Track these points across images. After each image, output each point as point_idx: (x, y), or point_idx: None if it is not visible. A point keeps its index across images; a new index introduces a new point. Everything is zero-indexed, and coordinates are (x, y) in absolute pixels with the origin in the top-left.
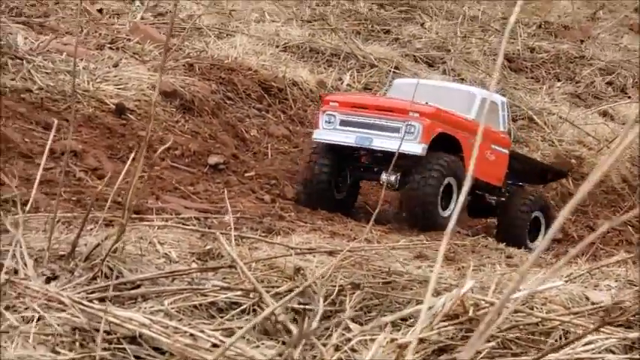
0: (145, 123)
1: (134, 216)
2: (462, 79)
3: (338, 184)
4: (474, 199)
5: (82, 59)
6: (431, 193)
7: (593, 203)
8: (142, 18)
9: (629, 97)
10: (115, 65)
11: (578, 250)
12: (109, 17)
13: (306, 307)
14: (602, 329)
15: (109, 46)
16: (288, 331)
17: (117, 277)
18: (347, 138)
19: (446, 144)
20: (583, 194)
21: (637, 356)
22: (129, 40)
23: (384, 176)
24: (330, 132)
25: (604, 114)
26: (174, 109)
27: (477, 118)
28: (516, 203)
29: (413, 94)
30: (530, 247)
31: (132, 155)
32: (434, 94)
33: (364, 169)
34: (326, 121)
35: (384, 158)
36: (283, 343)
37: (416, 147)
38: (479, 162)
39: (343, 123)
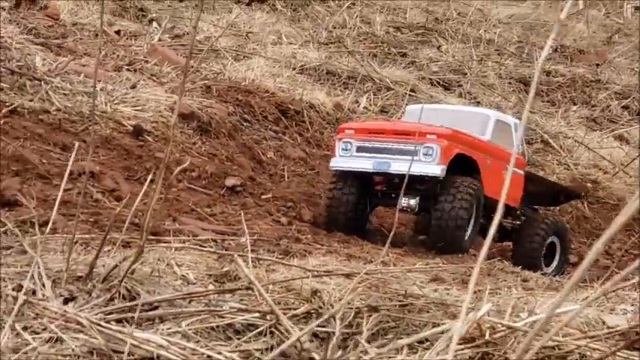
0: (163, 144)
1: (151, 237)
2: (478, 102)
3: (359, 212)
4: (490, 222)
5: (99, 80)
6: (463, 217)
7: (608, 226)
8: (160, 40)
9: None
10: (133, 87)
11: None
12: (127, 39)
13: (324, 329)
14: (618, 353)
15: (126, 67)
16: (304, 351)
17: (134, 299)
18: (364, 164)
19: (461, 165)
20: (618, 225)
21: None
22: (146, 61)
23: (403, 201)
24: (347, 159)
25: (620, 138)
26: (191, 131)
27: (491, 140)
28: (533, 227)
29: (426, 118)
30: (545, 271)
31: (149, 177)
32: (447, 118)
33: (382, 196)
34: (342, 149)
35: (401, 183)
36: None
37: (435, 168)
38: (495, 182)
39: (360, 149)
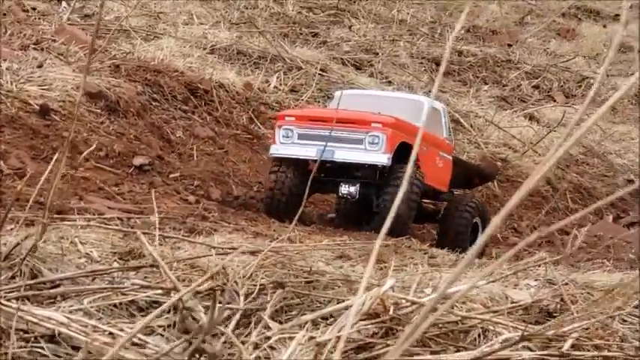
0: (70, 124)
1: (56, 216)
2: (390, 82)
3: (299, 199)
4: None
5: (5, 59)
6: (408, 207)
7: (518, 205)
8: (69, 19)
9: (555, 101)
10: (40, 66)
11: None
12: (35, 18)
13: (228, 306)
14: (519, 326)
15: (33, 46)
16: (186, 309)
17: (37, 277)
18: (307, 151)
19: (400, 153)
20: (515, 202)
21: (555, 353)
22: (54, 41)
23: (343, 188)
24: (288, 146)
25: (530, 117)
26: (99, 110)
27: (426, 126)
28: (459, 209)
29: (358, 104)
30: (468, 252)
31: (55, 156)
32: (381, 104)
33: (321, 182)
34: (283, 136)
35: (340, 170)
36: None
37: (381, 157)
38: (431, 169)
39: (302, 137)
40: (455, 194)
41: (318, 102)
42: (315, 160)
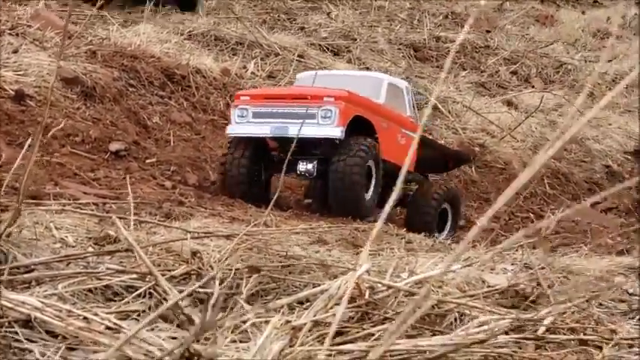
0: (44, 109)
1: (31, 201)
2: (368, 68)
3: (253, 179)
4: (390, 189)
5: None
6: (358, 177)
7: (496, 190)
8: (46, 5)
9: (533, 87)
10: (15, 51)
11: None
12: (11, 4)
13: (204, 290)
14: (495, 310)
15: (8, 32)
16: (184, 314)
17: (10, 262)
18: (262, 129)
19: (358, 129)
20: (505, 198)
21: (530, 336)
22: (29, 26)
23: (300, 166)
24: (243, 125)
25: (508, 103)
26: (75, 96)
27: (385, 103)
28: (427, 194)
29: (319, 84)
30: (438, 237)
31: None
32: (340, 82)
33: (278, 161)
34: (238, 115)
35: (298, 148)
36: (178, 325)
37: (334, 131)
38: (392, 146)
39: (256, 115)
40: (429, 179)
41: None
42: (273, 139)
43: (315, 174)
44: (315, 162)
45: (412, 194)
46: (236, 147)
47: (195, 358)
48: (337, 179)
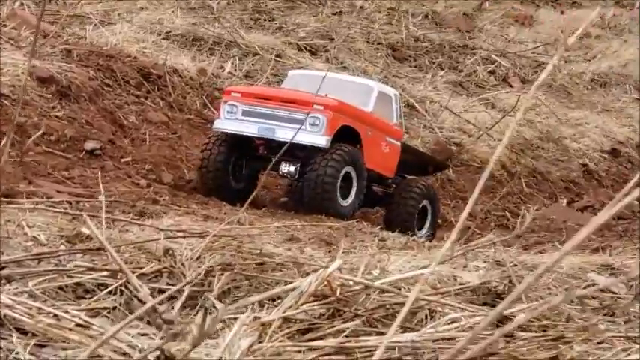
0: (20, 108)
1: (3, 199)
2: (345, 68)
3: (235, 174)
4: (370, 192)
5: None
6: (330, 181)
7: (472, 189)
8: (22, 4)
9: (511, 86)
10: None
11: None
12: None
13: (175, 287)
14: (467, 307)
15: None
16: (155, 310)
17: None
18: (249, 128)
19: (345, 135)
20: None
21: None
22: (5, 25)
23: (283, 167)
24: (231, 122)
25: (486, 102)
26: (50, 95)
27: (374, 111)
28: (406, 193)
29: (309, 85)
30: (418, 235)
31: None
32: (330, 86)
33: (262, 160)
34: (228, 111)
35: (281, 149)
36: (148, 322)
37: (320, 139)
38: (375, 154)
39: (245, 113)
40: (406, 178)
41: (274, 86)
42: (259, 138)
43: (296, 176)
44: (297, 165)
45: (391, 193)
46: (221, 142)
47: None
48: (310, 187)
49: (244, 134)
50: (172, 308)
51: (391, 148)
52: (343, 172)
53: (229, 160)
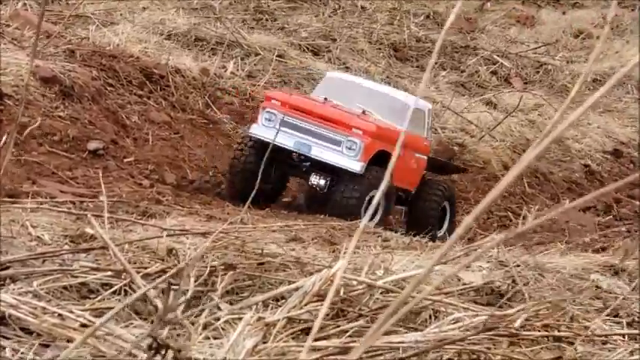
0: (24, 109)
1: (7, 199)
2: (347, 68)
3: (264, 177)
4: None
5: None
6: (354, 203)
7: (475, 189)
8: (25, 4)
9: (513, 87)
10: None
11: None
12: None
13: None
14: (470, 307)
15: None
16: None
17: None
18: (285, 140)
19: (378, 156)
20: (490, 201)
21: (504, 333)
22: (8, 25)
23: (313, 179)
24: (268, 130)
25: (488, 103)
26: (53, 95)
27: (408, 129)
28: (429, 193)
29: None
30: (438, 234)
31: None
32: (366, 97)
33: (292, 166)
34: (266, 119)
35: (314, 159)
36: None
37: (355, 165)
38: (404, 172)
39: (283, 124)
40: (425, 179)
41: (275, 87)
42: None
43: (325, 190)
44: (328, 179)
45: (414, 194)
46: (253, 143)
47: (164, 349)
48: (335, 206)
49: (280, 146)
50: (166, 295)
51: (419, 164)
52: (370, 195)
53: (259, 164)
